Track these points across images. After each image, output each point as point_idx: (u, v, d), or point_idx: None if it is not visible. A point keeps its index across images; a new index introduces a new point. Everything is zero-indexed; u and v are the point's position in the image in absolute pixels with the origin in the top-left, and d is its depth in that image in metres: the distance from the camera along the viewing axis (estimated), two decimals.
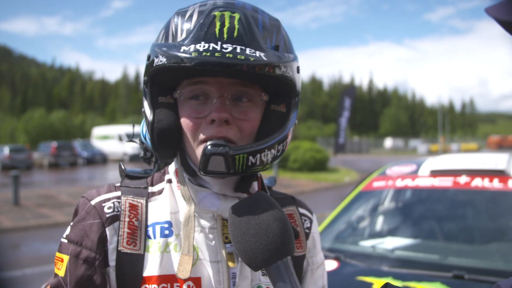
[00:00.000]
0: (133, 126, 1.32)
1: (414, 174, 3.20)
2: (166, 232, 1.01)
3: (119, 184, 1.09)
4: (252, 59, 0.89)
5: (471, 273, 2.28)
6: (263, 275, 1.04)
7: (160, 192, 1.08)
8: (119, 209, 1.02)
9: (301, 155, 24.56)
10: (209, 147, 0.93)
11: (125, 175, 1.13)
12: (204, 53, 0.88)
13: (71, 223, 1.03)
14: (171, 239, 1.00)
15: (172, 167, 1.11)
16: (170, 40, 0.98)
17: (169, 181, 1.09)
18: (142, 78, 1.03)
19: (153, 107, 0.99)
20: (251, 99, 0.99)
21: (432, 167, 3.17)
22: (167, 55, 0.91)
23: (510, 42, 0.63)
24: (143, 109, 1.03)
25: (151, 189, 1.08)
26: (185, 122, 0.98)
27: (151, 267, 0.97)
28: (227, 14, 0.95)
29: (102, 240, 0.98)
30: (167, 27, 1.00)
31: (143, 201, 1.04)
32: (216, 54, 0.88)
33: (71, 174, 26.22)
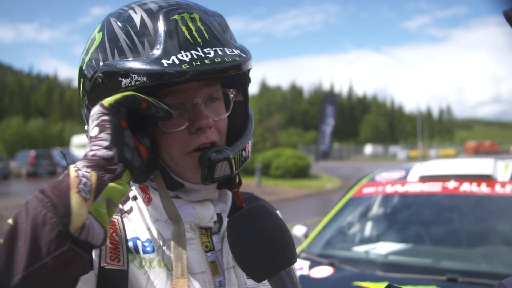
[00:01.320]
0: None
1: (403, 180, 3.26)
2: (148, 248, 0.97)
3: None
4: (237, 59, 0.89)
5: (465, 276, 2.33)
6: (248, 278, 1.02)
7: (130, 211, 1.03)
8: None
9: (283, 162, 24.65)
10: (212, 156, 0.90)
11: None
12: (194, 63, 0.83)
13: None
14: (153, 255, 0.97)
15: (134, 183, 1.05)
16: (128, 56, 0.87)
17: (134, 198, 1.05)
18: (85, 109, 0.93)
19: None
20: (217, 97, 0.97)
21: (421, 173, 3.24)
22: (149, 72, 0.82)
23: None
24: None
25: (121, 207, 1.03)
26: (166, 139, 0.92)
27: (137, 284, 0.93)
28: (186, 16, 0.90)
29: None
30: (114, 42, 0.89)
31: (118, 217, 0.99)
32: (206, 61, 0.84)
33: None
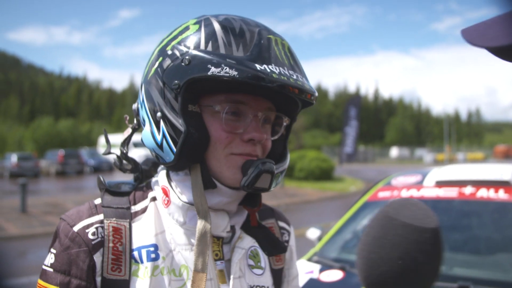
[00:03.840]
0: (106, 135, 1.20)
1: (419, 185, 3.21)
2: (153, 255, 0.99)
3: (99, 202, 1.05)
4: (313, 90, 0.99)
5: (476, 284, 2.29)
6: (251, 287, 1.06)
7: (143, 211, 1.05)
8: (103, 235, 0.99)
9: (307, 164, 24.54)
10: (260, 164, 0.96)
11: (105, 189, 1.09)
12: (282, 77, 0.92)
13: (53, 250, 1.00)
14: (159, 262, 0.99)
15: (157, 183, 1.08)
16: (222, 51, 0.94)
17: (153, 198, 1.07)
18: (157, 84, 0.99)
19: (183, 114, 0.95)
20: (270, 120, 1.05)
21: (437, 178, 3.19)
22: (241, 70, 0.89)
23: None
24: (159, 114, 0.98)
25: (134, 208, 1.05)
26: (217, 134, 0.97)
27: None
28: (279, 40, 0.99)
29: (92, 268, 0.96)
30: (211, 36, 0.96)
31: (126, 223, 1.02)
32: (291, 80, 0.93)
33: (77, 182, 26.32)
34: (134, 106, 1.11)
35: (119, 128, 70.80)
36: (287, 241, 1.23)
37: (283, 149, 1.10)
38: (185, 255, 1.01)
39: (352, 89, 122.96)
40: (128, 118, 1.16)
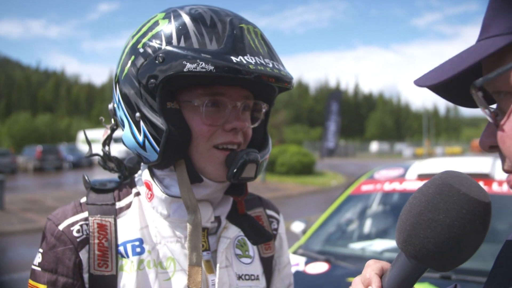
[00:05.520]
0: (86, 135, 1.23)
1: (401, 178, 3.28)
2: (138, 249, 1.00)
3: (85, 200, 1.06)
4: (289, 76, 0.99)
5: (458, 273, 2.35)
6: (238, 279, 1.07)
7: (128, 206, 1.06)
8: (88, 232, 1.00)
9: (288, 159, 24.64)
10: (244, 155, 0.97)
11: (90, 188, 1.09)
12: (258, 67, 0.92)
13: (41, 250, 1.01)
14: (144, 256, 1.00)
15: (141, 178, 1.09)
16: (195, 45, 0.93)
17: (137, 194, 1.08)
18: (132, 84, 0.97)
19: (162, 113, 0.95)
20: (250, 107, 1.05)
21: (419, 171, 3.25)
22: (217, 64, 0.89)
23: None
24: (137, 115, 0.98)
25: (118, 204, 1.06)
26: (199, 129, 0.97)
27: (128, 287, 0.97)
28: (251, 28, 0.99)
29: (78, 264, 0.98)
30: (182, 30, 0.95)
31: (111, 219, 1.03)
32: (267, 69, 0.93)
33: (56, 178, 25.92)
34: (110, 106, 1.11)
35: (99, 123, 69.43)
36: (276, 229, 1.24)
37: (264, 134, 1.11)
38: (171, 247, 1.02)
39: (332, 84, 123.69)
40: (104, 119, 1.16)
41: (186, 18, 0.96)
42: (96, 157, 1.17)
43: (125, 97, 1.00)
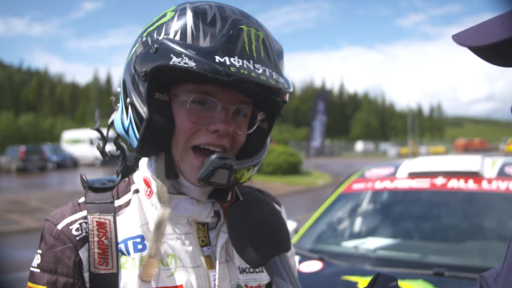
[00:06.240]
0: (97, 129, 1.22)
1: (392, 176, 3.30)
2: (140, 246, 0.99)
3: (83, 200, 1.06)
4: (279, 85, 0.95)
5: (451, 270, 2.37)
6: (241, 273, 1.07)
7: (127, 204, 1.05)
8: (87, 230, 0.99)
9: (275, 159, 24.66)
10: (217, 159, 0.95)
11: (88, 187, 1.09)
12: (242, 71, 0.89)
13: (39, 251, 1.00)
14: (146, 253, 0.99)
15: (138, 176, 1.09)
16: (188, 40, 0.93)
17: (136, 191, 1.07)
18: (130, 70, 0.99)
19: (148, 102, 0.95)
20: (246, 114, 1.03)
21: (409, 169, 3.28)
22: (200, 61, 0.88)
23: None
24: (128, 100, 0.99)
25: (117, 202, 1.06)
26: (182, 124, 0.96)
27: (129, 284, 0.96)
28: (252, 31, 0.96)
29: (78, 263, 0.96)
30: (181, 25, 0.95)
31: (110, 217, 1.02)
32: (252, 74, 0.90)
33: (40, 179, 25.57)
34: (118, 89, 1.12)
35: (83, 123, 69.25)
36: None
37: (261, 145, 1.07)
38: (171, 244, 1.01)
39: (318, 83, 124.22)
40: (114, 99, 1.17)
41: (189, 13, 0.96)
42: (85, 157, 1.17)
43: (123, 81, 1.03)
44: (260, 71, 0.92)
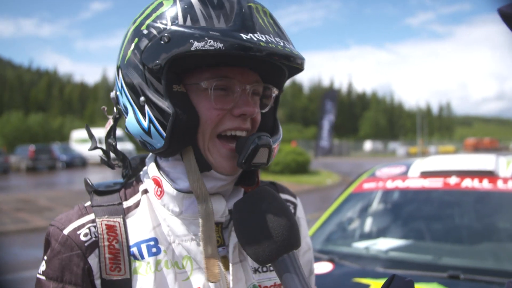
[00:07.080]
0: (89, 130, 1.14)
1: (404, 175, 3.22)
2: (154, 250, 0.95)
3: (89, 204, 1.00)
4: (300, 55, 0.93)
5: (466, 273, 2.30)
6: (254, 273, 1.02)
7: (136, 205, 1.00)
8: (96, 234, 0.94)
9: (283, 158, 24.59)
10: (256, 139, 0.91)
11: (93, 191, 1.04)
12: (270, 45, 0.86)
13: (45, 257, 0.95)
14: (161, 256, 0.94)
15: (147, 175, 1.02)
16: (202, 24, 0.88)
17: (145, 191, 1.02)
18: (136, 68, 0.93)
19: (168, 96, 0.90)
20: (259, 92, 1.00)
21: (421, 168, 3.20)
22: (227, 41, 0.84)
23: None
24: (142, 99, 0.92)
25: (126, 204, 1.00)
26: (208, 112, 0.92)
27: None
28: (260, 7, 0.94)
29: (88, 271, 0.91)
30: (189, 9, 0.90)
31: (120, 219, 0.97)
32: (279, 47, 0.88)
33: (49, 178, 25.74)
34: (112, 94, 1.05)
35: (92, 123, 69.60)
36: (294, 213, 1.17)
37: (274, 121, 1.06)
38: (186, 246, 0.96)
39: (326, 83, 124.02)
40: (106, 109, 1.10)
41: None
42: (94, 156, 1.11)
43: (128, 82, 0.95)
44: (282, 44, 0.90)
